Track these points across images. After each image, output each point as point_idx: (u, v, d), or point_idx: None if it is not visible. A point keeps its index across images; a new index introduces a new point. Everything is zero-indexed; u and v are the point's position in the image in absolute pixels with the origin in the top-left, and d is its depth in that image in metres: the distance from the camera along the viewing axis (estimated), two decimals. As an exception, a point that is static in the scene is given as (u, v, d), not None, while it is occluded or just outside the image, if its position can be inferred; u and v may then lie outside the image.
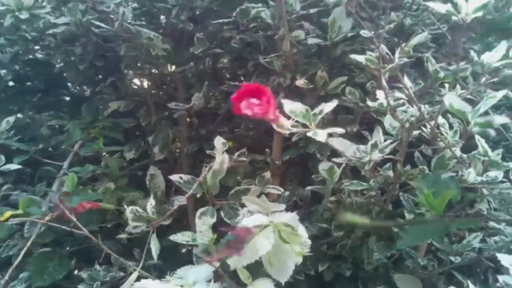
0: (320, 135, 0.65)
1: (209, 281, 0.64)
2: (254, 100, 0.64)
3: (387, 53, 0.77)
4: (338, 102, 0.72)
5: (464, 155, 0.84)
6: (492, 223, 0.89)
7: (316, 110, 0.69)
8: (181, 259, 0.95)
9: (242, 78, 1.20)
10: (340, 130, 0.67)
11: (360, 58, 0.78)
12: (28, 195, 1.04)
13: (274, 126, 0.68)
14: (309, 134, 0.67)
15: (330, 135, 0.68)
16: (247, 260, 0.60)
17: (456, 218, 0.77)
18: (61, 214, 0.81)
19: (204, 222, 0.82)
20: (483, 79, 0.78)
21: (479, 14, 0.72)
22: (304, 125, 0.69)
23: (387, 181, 0.89)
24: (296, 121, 0.69)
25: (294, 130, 0.68)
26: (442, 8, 0.74)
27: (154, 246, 0.78)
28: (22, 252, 0.79)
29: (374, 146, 0.78)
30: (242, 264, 0.60)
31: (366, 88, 1.01)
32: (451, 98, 0.68)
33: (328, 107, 0.69)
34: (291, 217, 0.62)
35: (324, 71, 1.02)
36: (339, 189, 0.97)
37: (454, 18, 0.73)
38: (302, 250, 0.62)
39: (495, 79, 0.79)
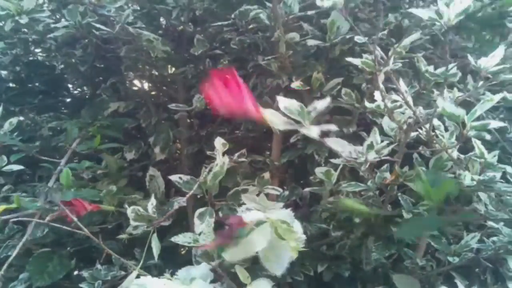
0: (313, 131, 0.65)
1: (211, 281, 0.64)
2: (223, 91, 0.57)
3: (381, 57, 0.77)
4: (332, 102, 0.72)
5: (462, 156, 0.84)
6: (490, 223, 0.89)
7: (310, 108, 0.69)
8: (181, 259, 0.96)
9: (242, 79, 1.20)
10: (333, 128, 0.68)
11: (356, 61, 0.79)
12: (28, 195, 1.05)
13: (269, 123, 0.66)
14: (303, 130, 0.66)
15: (325, 133, 0.68)
16: (242, 254, 0.60)
17: (452, 213, 0.77)
18: (63, 214, 0.81)
19: (203, 222, 0.82)
20: (481, 83, 0.78)
21: (461, 17, 0.71)
22: (299, 123, 0.68)
23: (384, 182, 0.89)
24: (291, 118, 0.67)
25: (288, 127, 0.66)
26: (424, 14, 0.73)
27: (155, 245, 0.78)
28: (18, 247, 0.79)
29: (370, 147, 0.79)
30: (238, 258, 0.61)
31: (362, 89, 1.01)
32: (443, 103, 0.68)
33: (321, 104, 0.69)
34: (287, 214, 0.63)
35: (321, 72, 1.02)
36: (337, 190, 0.98)
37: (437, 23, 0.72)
38: (297, 245, 0.62)
39: (493, 82, 0.80)
